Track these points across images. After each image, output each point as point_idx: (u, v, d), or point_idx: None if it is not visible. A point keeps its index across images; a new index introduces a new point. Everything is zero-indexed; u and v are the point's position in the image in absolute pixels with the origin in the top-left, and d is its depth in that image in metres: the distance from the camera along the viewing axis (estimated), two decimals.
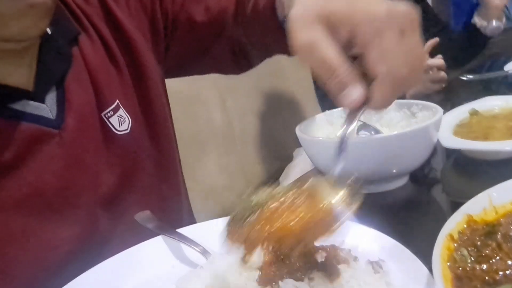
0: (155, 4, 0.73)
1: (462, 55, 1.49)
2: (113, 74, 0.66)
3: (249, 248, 0.38)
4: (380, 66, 0.38)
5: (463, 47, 1.48)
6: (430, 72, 1.30)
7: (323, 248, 0.42)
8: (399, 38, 0.38)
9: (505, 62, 1.26)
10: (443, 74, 1.30)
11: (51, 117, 0.57)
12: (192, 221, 0.84)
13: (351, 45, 0.40)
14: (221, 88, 1.62)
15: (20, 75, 0.56)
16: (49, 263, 0.57)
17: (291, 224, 0.36)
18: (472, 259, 0.40)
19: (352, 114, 0.41)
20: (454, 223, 0.43)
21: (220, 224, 0.59)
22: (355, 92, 0.38)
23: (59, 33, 0.60)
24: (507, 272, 0.37)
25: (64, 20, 0.62)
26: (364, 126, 0.74)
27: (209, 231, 0.56)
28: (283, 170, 1.65)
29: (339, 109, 0.79)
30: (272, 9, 0.64)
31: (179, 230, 0.57)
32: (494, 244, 0.41)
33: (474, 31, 1.43)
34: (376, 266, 0.40)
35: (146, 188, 0.70)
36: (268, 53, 0.79)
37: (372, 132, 0.72)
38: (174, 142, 0.80)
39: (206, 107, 1.60)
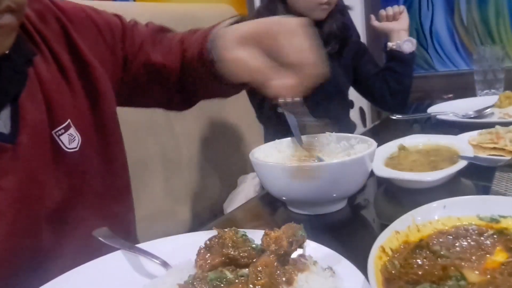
0: (115, 39, 0.78)
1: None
2: (66, 95, 0.68)
3: None
4: (298, 55, 0.53)
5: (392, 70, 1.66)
6: None
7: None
8: (305, 37, 0.54)
9: (429, 105, 1.42)
10: None
11: (5, 132, 0.59)
12: (136, 242, 0.86)
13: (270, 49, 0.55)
14: (170, 114, 1.65)
15: None
16: None
17: None
18: (399, 266, 0.48)
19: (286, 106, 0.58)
20: (385, 237, 0.51)
21: (176, 239, 0.63)
22: (280, 80, 0.53)
23: (16, 53, 0.62)
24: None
25: (21, 41, 0.64)
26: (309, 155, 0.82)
27: (167, 246, 0.60)
28: (227, 196, 1.70)
29: (288, 138, 0.87)
30: (199, 54, 0.72)
31: (137, 246, 0.61)
32: (419, 256, 0.49)
33: (394, 52, 1.62)
34: (331, 271, 0.47)
35: (94, 207, 0.71)
36: (207, 95, 0.88)
37: (316, 161, 0.80)
38: (126, 164, 0.82)
39: (155, 131, 1.62)
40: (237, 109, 1.93)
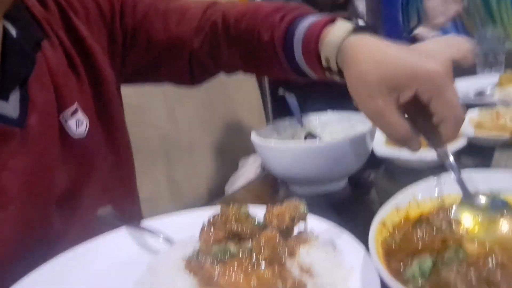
0: (115, 17, 0.75)
1: None
2: (72, 79, 0.68)
3: (201, 282, 0.42)
4: (449, 112, 0.49)
5: None
6: None
7: None
8: (454, 89, 0.50)
9: None
10: None
11: (14, 116, 0.59)
12: None
13: (416, 97, 0.50)
14: (170, 98, 1.65)
15: None
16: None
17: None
18: (400, 240, 0.48)
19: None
20: (385, 213, 0.52)
21: (179, 216, 0.64)
22: (415, 145, 0.52)
23: (24, 37, 0.61)
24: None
25: (29, 25, 0.63)
26: (310, 135, 0.83)
27: (170, 223, 0.61)
28: (228, 179, 1.71)
29: (288, 119, 0.88)
30: (282, 46, 0.66)
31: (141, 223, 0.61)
32: (420, 230, 0.50)
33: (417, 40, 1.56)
34: (332, 244, 0.48)
35: (101, 190, 0.72)
36: (233, 72, 0.82)
37: (317, 140, 0.81)
38: (130, 147, 0.82)
39: (154, 116, 1.62)
40: (238, 92, 1.93)
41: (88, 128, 0.68)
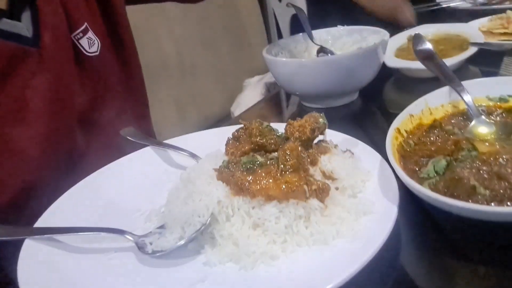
0: None
1: None
2: None
3: (233, 189, 0.45)
4: None
5: None
6: None
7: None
8: None
9: None
10: None
11: (29, 35, 0.60)
12: None
13: None
14: (170, 17, 1.60)
15: None
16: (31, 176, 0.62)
17: (270, 191, 0.43)
18: (414, 144, 0.52)
19: None
20: (400, 121, 0.54)
21: (201, 135, 0.67)
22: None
23: None
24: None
25: None
26: (322, 49, 0.83)
27: (193, 141, 0.64)
28: (233, 100, 1.72)
29: (298, 35, 0.87)
30: None
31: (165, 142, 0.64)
32: (433, 134, 0.53)
33: None
34: (350, 152, 0.52)
35: (117, 110, 0.75)
36: None
37: (329, 54, 0.81)
38: (141, 69, 0.84)
39: (155, 36, 1.58)
40: (239, 10, 1.86)
41: (100, 47, 0.70)
